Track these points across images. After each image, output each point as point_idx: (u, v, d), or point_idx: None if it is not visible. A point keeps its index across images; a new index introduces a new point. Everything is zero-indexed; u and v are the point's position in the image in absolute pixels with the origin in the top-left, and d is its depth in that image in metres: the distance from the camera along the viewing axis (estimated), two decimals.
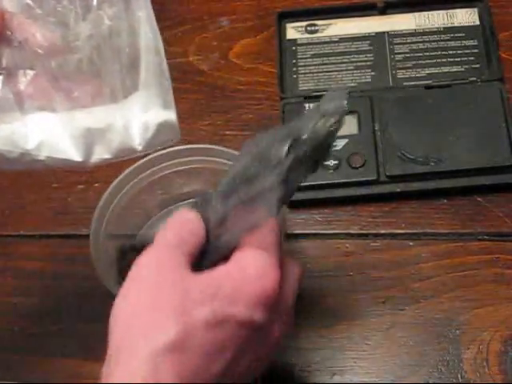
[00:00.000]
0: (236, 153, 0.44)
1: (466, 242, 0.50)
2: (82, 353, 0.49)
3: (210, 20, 0.65)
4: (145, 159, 0.51)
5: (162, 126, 0.33)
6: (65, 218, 0.56)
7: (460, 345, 0.45)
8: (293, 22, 0.61)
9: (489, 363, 0.44)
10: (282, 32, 0.61)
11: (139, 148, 0.32)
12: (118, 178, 0.50)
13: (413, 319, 0.47)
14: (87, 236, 0.47)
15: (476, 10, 0.60)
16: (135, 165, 0.51)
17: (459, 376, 0.44)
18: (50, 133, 0.31)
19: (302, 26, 0.61)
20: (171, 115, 0.33)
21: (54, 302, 0.52)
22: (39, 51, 0.31)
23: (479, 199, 0.51)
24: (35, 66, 0.31)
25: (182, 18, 0.65)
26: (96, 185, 0.57)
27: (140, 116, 0.32)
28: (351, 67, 0.59)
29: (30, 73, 0.31)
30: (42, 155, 0.31)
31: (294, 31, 0.61)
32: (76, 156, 0.31)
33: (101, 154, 0.32)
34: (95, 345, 0.50)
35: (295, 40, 0.61)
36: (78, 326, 0.50)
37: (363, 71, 0.58)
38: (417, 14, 0.60)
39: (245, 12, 0.65)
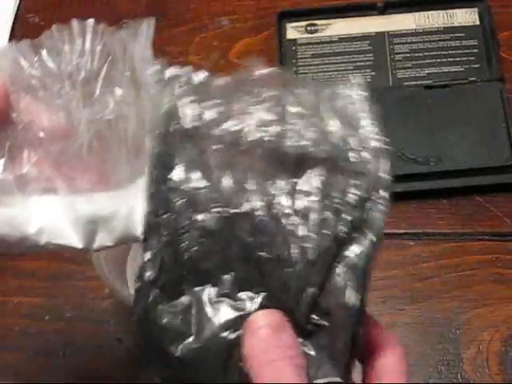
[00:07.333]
0: None
1: (465, 241, 0.50)
2: (83, 353, 0.49)
3: (209, 20, 0.65)
4: None
5: None
6: None
7: (460, 345, 0.45)
8: (293, 21, 0.61)
9: (489, 363, 0.44)
10: (282, 32, 0.61)
11: (142, 237, 0.30)
12: None
13: (413, 319, 0.47)
14: None
15: (476, 9, 0.60)
16: None
17: (459, 376, 0.44)
18: (52, 218, 0.29)
19: (301, 26, 0.61)
20: None
21: (54, 301, 0.52)
22: (42, 135, 0.30)
23: (479, 199, 0.51)
24: (37, 150, 0.30)
25: (181, 18, 0.65)
26: None
27: (144, 203, 0.30)
28: (351, 67, 0.59)
29: (33, 156, 0.30)
30: (43, 240, 0.29)
31: (293, 31, 0.61)
32: (77, 243, 0.30)
33: (103, 241, 0.30)
34: (95, 345, 0.51)
35: (295, 40, 0.61)
36: (79, 326, 0.50)
37: (363, 71, 0.58)
38: (416, 13, 0.60)
39: (245, 12, 0.65)
